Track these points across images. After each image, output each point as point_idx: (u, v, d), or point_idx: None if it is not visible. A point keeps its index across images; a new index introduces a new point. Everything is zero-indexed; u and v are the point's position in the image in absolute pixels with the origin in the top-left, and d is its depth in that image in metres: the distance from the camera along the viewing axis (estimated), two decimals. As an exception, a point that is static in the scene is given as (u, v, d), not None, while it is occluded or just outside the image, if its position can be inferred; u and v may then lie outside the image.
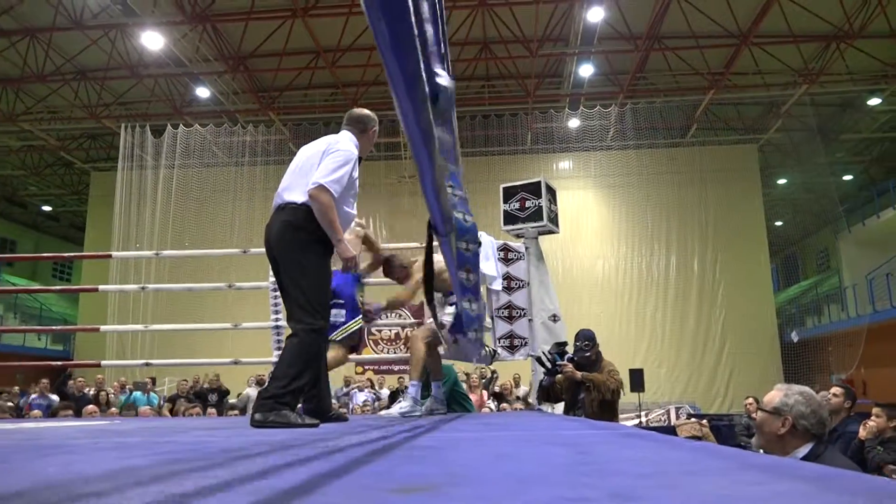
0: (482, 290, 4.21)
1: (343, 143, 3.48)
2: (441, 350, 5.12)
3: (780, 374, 17.43)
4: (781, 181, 23.78)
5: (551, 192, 6.08)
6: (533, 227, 5.88)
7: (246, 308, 12.75)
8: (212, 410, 9.27)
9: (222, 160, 17.99)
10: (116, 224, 16.86)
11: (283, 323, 5.39)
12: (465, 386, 7.35)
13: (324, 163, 3.33)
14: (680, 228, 18.93)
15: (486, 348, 5.38)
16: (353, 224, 4.40)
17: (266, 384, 3.22)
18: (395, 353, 17.57)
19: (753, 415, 3.55)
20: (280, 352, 3.47)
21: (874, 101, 18.50)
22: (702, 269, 18.83)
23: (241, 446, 1.75)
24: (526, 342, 5.62)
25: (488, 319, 5.48)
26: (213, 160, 17.74)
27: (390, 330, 17.68)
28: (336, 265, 3.61)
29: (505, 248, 5.73)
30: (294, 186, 3.37)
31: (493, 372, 10.87)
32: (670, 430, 7.32)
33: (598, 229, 19.35)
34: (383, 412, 4.62)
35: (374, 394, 11.77)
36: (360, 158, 3.61)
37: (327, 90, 18.34)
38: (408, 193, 17.98)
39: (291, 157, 3.64)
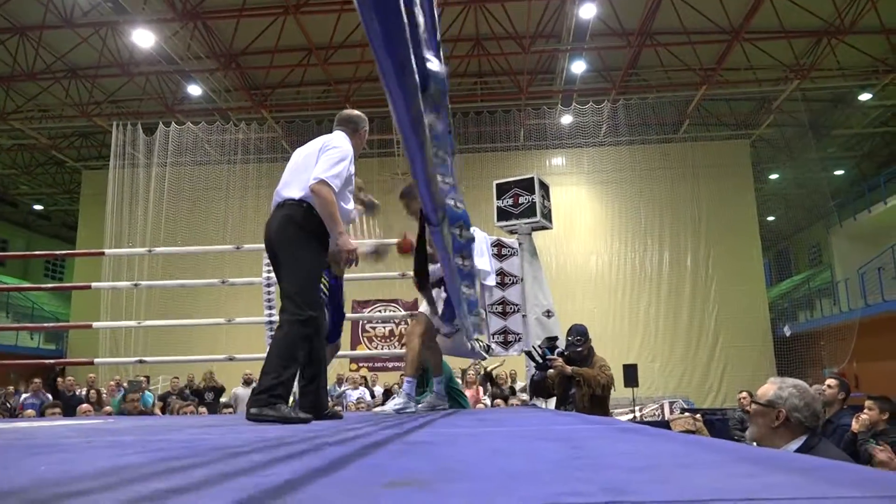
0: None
1: (337, 141, 3.57)
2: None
3: (773, 368, 17.51)
4: (773, 176, 23.86)
5: (544, 188, 6.09)
6: (526, 224, 5.89)
7: (239, 304, 12.73)
8: (203, 409, 9.25)
9: (215, 158, 17.93)
10: (109, 223, 16.78)
11: (277, 318, 5.38)
12: (460, 382, 7.36)
13: (322, 159, 3.41)
14: (673, 224, 18.97)
15: (481, 343, 5.39)
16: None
17: (258, 381, 3.25)
18: (389, 349, 17.57)
19: (747, 408, 3.58)
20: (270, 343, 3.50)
21: (865, 97, 18.57)
22: (695, 264, 18.89)
23: (235, 443, 1.75)
24: (520, 338, 5.64)
25: (482, 311, 5.49)
26: (205, 158, 17.68)
27: (384, 327, 17.68)
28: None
29: (498, 244, 5.74)
30: (292, 184, 3.45)
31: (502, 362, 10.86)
32: (664, 425, 7.35)
33: (591, 225, 19.38)
34: (377, 409, 4.62)
35: (370, 390, 11.76)
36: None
37: (319, 87, 18.30)
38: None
39: (284, 155, 3.68)
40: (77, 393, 10.21)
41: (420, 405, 5.17)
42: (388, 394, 10.04)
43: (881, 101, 18.83)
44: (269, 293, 5.56)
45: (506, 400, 8.60)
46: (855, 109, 19.81)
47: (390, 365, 16.31)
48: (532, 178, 5.97)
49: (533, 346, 5.36)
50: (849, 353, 16.25)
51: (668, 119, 19.18)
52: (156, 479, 0.98)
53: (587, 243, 19.16)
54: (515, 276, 5.70)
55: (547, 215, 6.06)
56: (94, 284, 8.45)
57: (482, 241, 5.52)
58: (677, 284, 18.71)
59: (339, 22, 15.01)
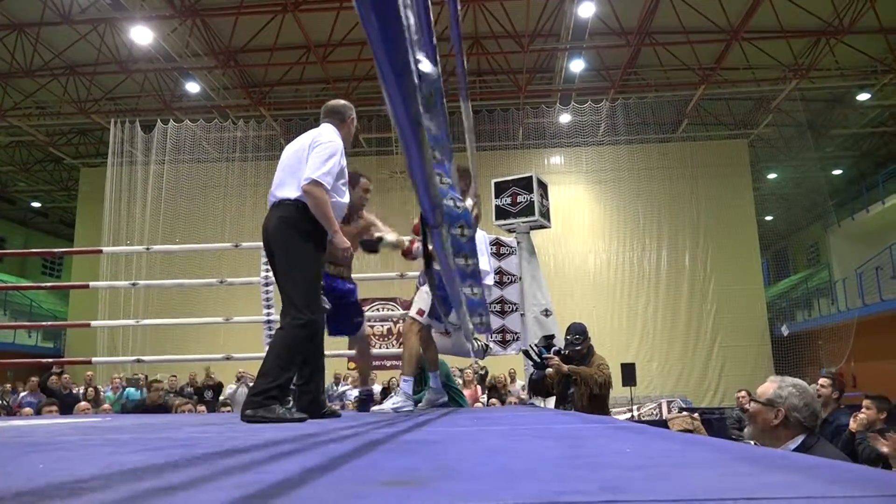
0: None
1: (326, 136, 3.55)
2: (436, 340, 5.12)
3: (771, 367, 17.53)
4: (772, 176, 23.88)
5: (543, 186, 6.09)
6: (524, 222, 5.89)
7: (238, 303, 12.71)
8: (202, 408, 9.23)
9: (213, 156, 17.91)
10: (106, 220, 16.75)
11: (276, 317, 5.38)
12: (458, 381, 7.36)
13: (312, 158, 3.40)
14: (671, 223, 18.99)
15: (479, 342, 5.39)
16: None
17: (254, 382, 3.25)
18: (387, 348, 17.56)
19: (747, 406, 3.59)
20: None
21: (863, 97, 18.58)
22: (693, 263, 18.90)
23: (232, 442, 1.74)
24: (518, 336, 5.64)
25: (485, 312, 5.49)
26: (203, 156, 17.66)
27: (382, 325, 17.67)
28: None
29: (497, 243, 5.74)
30: (285, 183, 3.44)
31: (483, 368, 10.86)
32: (662, 424, 7.36)
33: (589, 224, 19.38)
34: (375, 408, 4.62)
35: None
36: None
37: (318, 85, 18.28)
38: (399, 188, 17.95)
39: (282, 153, 3.66)
40: (73, 391, 10.18)
41: (420, 404, 5.17)
42: (386, 392, 10.04)
43: (879, 101, 18.85)
44: (267, 292, 5.56)
45: (502, 400, 8.61)
46: (853, 109, 19.82)
47: (388, 363, 16.27)
48: (530, 177, 5.98)
49: (530, 346, 5.35)
50: (846, 352, 16.27)
51: (666, 118, 19.18)
52: (153, 477, 0.98)
53: (585, 242, 19.16)
54: (513, 275, 5.71)
55: (545, 214, 6.06)
56: (91, 284, 8.45)
57: (481, 241, 5.51)
58: (675, 284, 18.72)
59: (337, 20, 14.99)
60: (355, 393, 11.11)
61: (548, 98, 18.37)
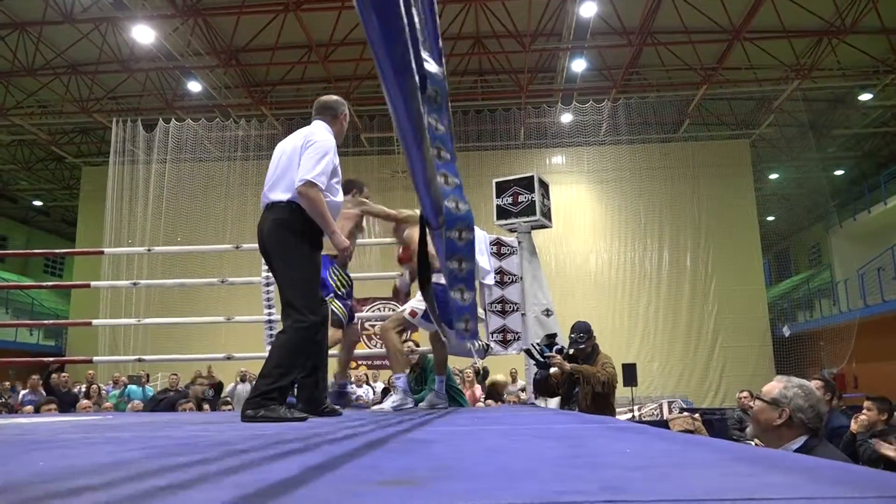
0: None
1: (318, 134, 3.51)
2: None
3: (772, 368, 17.51)
4: (773, 176, 23.86)
5: (544, 186, 6.08)
6: (526, 222, 5.88)
7: (239, 303, 12.72)
8: (205, 406, 9.24)
9: (214, 155, 17.92)
10: (108, 219, 16.78)
11: (276, 317, 5.39)
12: (457, 381, 7.35)
13: (305, 158, 3.37)
14: (672, 223, 18.97)
15: (479, 342, 5.39)
16: (349, 205, 4.43)
17: (255, 383, 3.26)
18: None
19: (750, 403, 3.58)
20: (270, 346, 3.51)
21: (865, 97, 18.56)
22: (694, 263, 18.89)
23: (233, 440, 1.75)
24: (519, 336, 5.63)
25: (481, 312, 5.48)
26: (205, 155, 17.67)
27: (383, 325, 17.65)
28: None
29: (498, 243, 5.74)
30: (278, 185, 3.42)
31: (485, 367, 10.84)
32: (663, 425, 7.35)
33: (590, 224, 19.38)
34: (375, 407, 4.62)
35: (371, 388, 11.74)
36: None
37: (320, 85, 18.29)
38: (401, 188, 17.96)
39: (274, 152, 3.65)
40: (72, 390, 10.18)
41: (421, 404, 5.17)
42: (385, 391, 10.04)
43: (881, 102, 18.82)
44: (268, 292, 5.56)
45: (498, 400, 8.58)
46: (855, 109, 19.80)
47: (388, 363, 16.28)
48: (532, 177, 5.96)
49: (532, 345, 5.34)
50: (848, 353, 16.26)
51: (668, 118, 19.18)
52: (153, 476, 0.98)
53: (587, 242, 19.15)
54: (514, 275, 5.70)
55: (546, 214, 6.05)
56: (93, 284, 8.45)
57: (481, 241, 5.52)
58: (677, 284, 18.71)
59: (339, 19, 15.00)
60: (360, 392, 11.15)
61: (549, 98, 18.37)
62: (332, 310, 4.60)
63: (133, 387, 10.89)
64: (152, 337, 15.34)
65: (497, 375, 9.85)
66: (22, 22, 15.34)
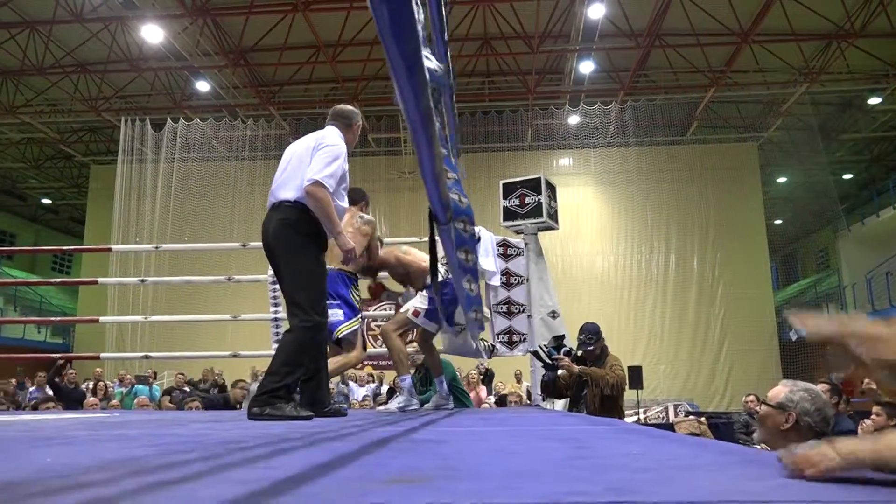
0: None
1: (331, 138, 3.54)
2: (441, 345, 5.12)
3: (779, 372, 17.44)
4: (781, 179, 23.77)
5: (551, 188, 6.06)
6: (532, 224, 5.87)
7: (245, 302, 12.74)
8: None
9: (222, 154, 17.97)
10: (116, 217, 16.86)
11: (283, 315, 5.39)
12: (463, 382, 7.35)
13: (315, 159, 3.39)
14: (679, 226, 18.92)
15: (485, 343, 5.38)
16: (359, 222, 4.46)
17: (261, 382, 3.27)
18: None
19: (757, 407, 3.56)
20: (278, 345, 3.50)
21: (874, 101, 18.48)
22: (701, 266, 18.83)
23: (239, 438, 1.75)
24: (525, 338, 5.62)
25: (486, 310, 5.47)
26: (212, 154, 17.73)
27: (389, 325, 17.66)
28: (330, 263, 3.66)
29: (504, 244, 5.73)
30: (286, 184, 3.44)
31: (489, 369, 10.83)
32: (669, 428, 7.33)
33: (597, 226, 19.34)
34: (381, 408, 4.63)
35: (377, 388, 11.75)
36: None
37: (328, 85, 18.32)
38: (408, 189, 17.98)
39: (285, 152, 3.67)
40: (79, 387, 10.22)
41: (427, 405, 5.17)
42: (391, 392, 10.04)
43: (891, 105, 18.73)
44: (274, 290, 5.57)
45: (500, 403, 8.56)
46: (864, 113, 19.71)
47: (392, 365, 16.27)
48: (539, 179, 5.95)
49: (539, 346, 5.32)
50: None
51: (676, 121, 19.12)
52: (159, 472, 0.99)
53: (593, 244, 19.12)
54: (521, 277, 5.69)
55: (553, 216, 6.03)
56: (100, 280, 8.47)
57: (488, 241, 5.51)
58: (683, 287, 18.65)
59: (347, 20, 15.03)
60: (362, 392, 11.16)
61: (557, 99, 18.34)
62: (355, 330, 4.61)
63: (140, 386, 10.93)
64: (159, 334, 15.39)
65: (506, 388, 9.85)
66: (32, 21, 15.43)
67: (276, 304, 5.57)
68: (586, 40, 15.31)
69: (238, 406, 7.69)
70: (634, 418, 12.03)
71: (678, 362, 18.26)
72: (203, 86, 17.52)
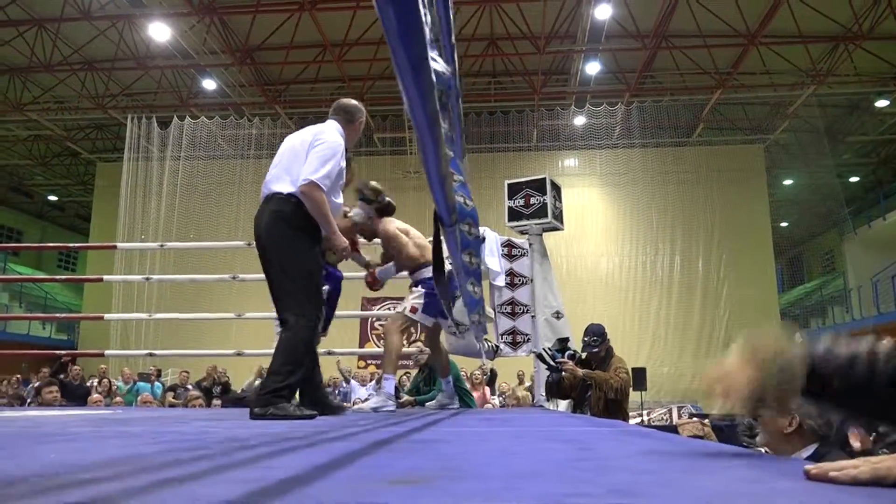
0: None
1: (329, 134, 3.44)
2: (445, 345, 5.11)
3: (783, 375, 17.34)
4: (787, 182, 23.70)
5: (556, 189, 6.06)
6: (537, 224, 5.86)
7: (250, 300, 12.75)
8: (217, 402, 9.28)
9: (228, 153, 18.01)
10: (122, 215, 16.91)
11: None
12: (467, 383, 7.35)
13: (311, 157, 3.31)
14: (685, 228, 18.87)
15: (489, 343, 5.37)
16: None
17: (263, 381, 3.20)
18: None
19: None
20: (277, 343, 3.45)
21: (882, 103, 18.41)
22: (706, 268, 18.78)
23: (242, 437, 1.75)
24: (528, 338, 5.62)
25: (490, 311, 5.47)
26: (218, 152, 17.77)
27: (393, 325, 17.66)
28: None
29: (509, 245, 5.73)
30: (281, 177, 3.36)
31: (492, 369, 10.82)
32: (672, 430, 7.30)
33: (602, 227, 19.31)
34: (356, 407, 4.57)
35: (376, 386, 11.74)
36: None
37: (334, 84, 18.34)
38: (413, 189, 17.97)
39: (282, 144, 3.61)
40: (84, 383, 10.25)
41: (429, 403, 5.17)
42: (396, 391, 10.04)
43: (898, 108, 18.68)
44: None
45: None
46: (871, 116, 19.65)
47: (398, 362, 16.26)
48: (544, 179, 5.95)
49: (543, 349, 5.29)
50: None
51: (682, 122, 19.08)
52: (161, 470, 0.99)
53: (598, 245, 19.09)
54: (525, 277, 5.69)
55: (558, 216, 6.03)
56: (105, 277, 8.50)
57: (492, 241, 5.51)
58: (688, 288, 18.60)
59: (354, 19, 15.04)
60: (362, 391, 11.16)
61: (563, 100, 18.33)
62: None
63: (142, 384, 10.95)
64: (163, 332, 15.43)
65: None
66: (40, 18, 15.49)
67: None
68: (593, 41, 15.28)
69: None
70: (638, 420, 12.01)
71: (682, 364, 18.20)
72: (209, 84, 17.56)
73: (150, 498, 0.72)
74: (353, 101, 3.79)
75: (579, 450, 1.44)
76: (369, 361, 17.23)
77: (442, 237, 1.97)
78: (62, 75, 17.36)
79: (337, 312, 4.94)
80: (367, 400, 4.86)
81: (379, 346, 17.46)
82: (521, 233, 5.97)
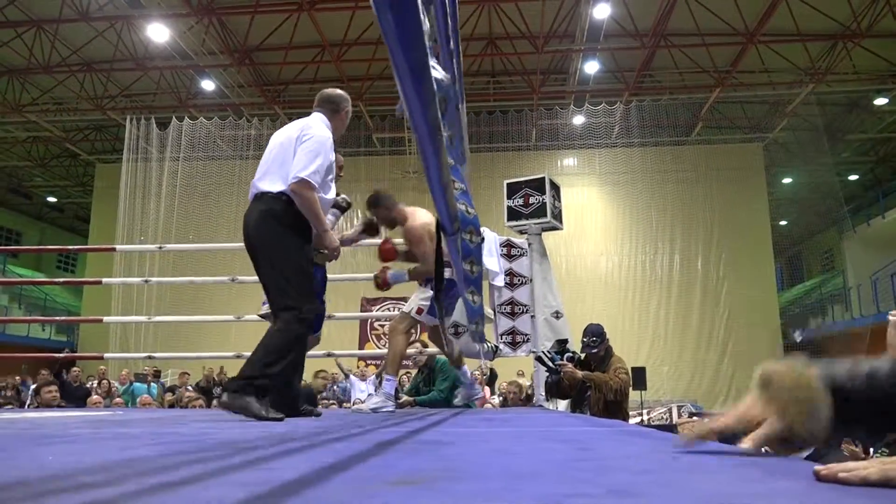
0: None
1: (316, 129, 3.38)
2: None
3: (783, 373, 17.35)
4: (786, 180, 23.72)
5: (555, 188, 6.06)
6: (536, 224, 5.86)
7: (249, 302, 12.71)
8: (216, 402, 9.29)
9: (227, 153, 18.00)
10: (121, 216, 16.91)
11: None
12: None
13: (300, 153, 3.26)
14: (684, 227, 18.89)
15: (488, 344, 5.36)
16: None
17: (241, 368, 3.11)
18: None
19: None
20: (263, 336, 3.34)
21: (881, 101, 18.43)
22: (705, 267, 18.79)
23: (242, 438, 1.75)
24: (528, 338, 5.62)
25: (489, 311, 5.47)
26: (217, 153, 17.77)
27: (393, 325, 17.66)
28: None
29: (508, 244, 5.72)
30: (270, 175, 3.31)
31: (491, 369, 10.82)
32: (672, 429, 7.32)
33: (601, 227, 19.32)
34: (354, 407, 4.56)
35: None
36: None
37: (332, 84, 18.26)
38: (412, 189, 17.97)
39: (269, 141, 3.58)
40: (84, 384, 10.25)
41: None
42: (395, 392, 10.03)
43: (897, 106, 18.69)
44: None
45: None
46: (870, 114, 19.66)
47: (385, 360, 16.26)
48: (543, 179, 5.95)
49: (543, 352, 5.28)
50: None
51: (680, 121, 19.10)
52: (160, 473, 0.99)
53: (597, 245, 19.10)
54: (525, 277, 5.69)
55: (557, 216, 6.03)
56: (105, 280, 8.49)
57: (491, 241, 5.50)
58: (688, 287, 18.62)
59: (352, 19, 15.05)
60: (362, 385, 11.13)
61: (562, 99, 18.33)
62: None
63: (138, 384, 10.94)
64: (163, 334, 15.42)
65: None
66: (39, 19, 15.48)
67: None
68: (591, 40, 15.28)
69: (319, 396, 7.74)
70: (638, 419, 12.02)
71: (682, 363, 18.23)
72: (208, 85, 17.55)
73: (151, 501, 0.72)
74: (338, 91, 3.71)
75: (579, 450, 1.44)
76: (369, 362, 17.24)
77: (443, 244, 1.97)
78: (61, 76, 17.35)
79: (336, 313, 4.93)
80: (366, 400, 4.84)
81: (379, 347, 17.48)
82: (521, 232, 5.96)
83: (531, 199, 5.89)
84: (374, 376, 12.10)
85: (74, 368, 10.03)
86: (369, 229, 4.63)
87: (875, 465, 0.82)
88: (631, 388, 5.83)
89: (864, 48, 15.76)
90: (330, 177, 3.40)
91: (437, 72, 1.20)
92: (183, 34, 15.25)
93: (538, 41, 15.87)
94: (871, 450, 3.93)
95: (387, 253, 4.55)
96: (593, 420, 3.51)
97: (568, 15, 15.51)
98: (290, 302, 3.15)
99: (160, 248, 8.31)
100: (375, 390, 4.71)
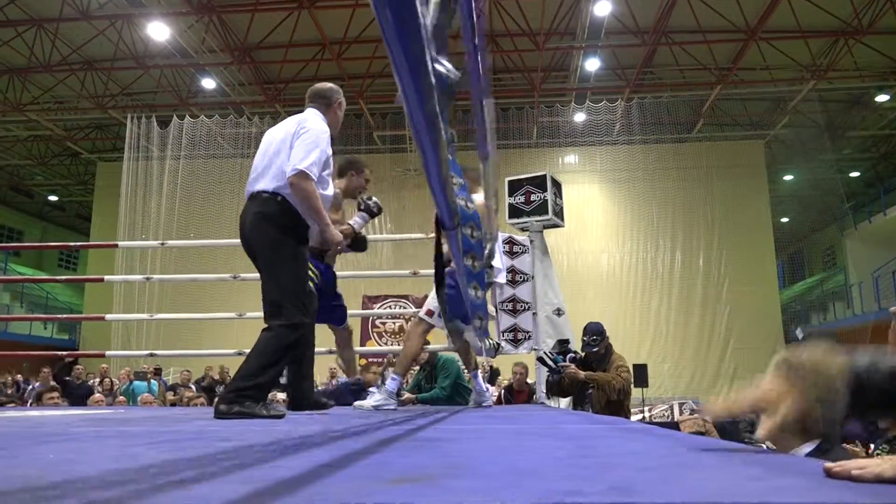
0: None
1: (311, 122, 3.33)
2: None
3: (785, 370, 17.34)
4: (788, 177, 23.69)
5: (557, 185, 6.06)
6: (538, 221, 5.87)
7: (251, 299, 12.72)
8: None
9: (228, 151, 18.00)
10: (122, 214, 16.92)
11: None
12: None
13: (297, 146, 3.18)
14: (685, 224, 18.88)
15: (490, 341, 5.36)
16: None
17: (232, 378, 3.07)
18: (399, 345, 17.57)
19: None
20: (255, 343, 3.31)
21: (882, 98, 18.39)
22: (707, 264, 18.78)
23: (242, 436, 1.75)
24: (530, 336, 5.62)
25: (491, 309, 5.47)
26: (218, 151, 17.76)
27: (394, 323, 17.70)
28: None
29: (510, 242, 5.73)
30: (264, 174, 3.24)
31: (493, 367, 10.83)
32: (673, 426, 7.30)
33: (603, 224, 19.31)
34: (356, 403, 4.57)
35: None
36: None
37: (333, 82, 18.26)
38: (413, 186, 17.97)
39: (263, 139, 3.54)
40: (87, 382, 10.27)
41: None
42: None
43: (899, 103, 18.65)
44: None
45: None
46: (872, 111, 19.62)
47: (396, 358, 16.28)
48: (544, 176, 5.95)
49: (544, 353, 5.28)
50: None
51: (682, 118, 19.07)
52: (161, 471, 0.99)
53: (599, 242, 19.10)
54: (526, 274, 5.69)
55: (559, 213, 6.03)
56: (106, 277, 8.49)
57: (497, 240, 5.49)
58: (689, 285, 18.61)
59: (353, 17, 15.03)
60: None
61: (563, 97, 18.32)
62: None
63: (138, 383, 10.96)
64: (165, 332, 15.43)
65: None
66: (39, 18, 15.47)
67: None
68: (592, 37, 15.27)
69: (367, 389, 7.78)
70: (639, 416, 12.03)
71: (683, 360, 18.23)
72: (209, 83, 17.55)
73: (152, 500, 0.72)
74: (327, 84, 3.66)
75: (580, 447, 1.44)
76: (371, 360, 17.23)
77: (443, 240, 1.97)
78: (61, 75, 17.35)
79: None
80: (368, 397, 4.85)
81: (380, 344, 17.49)
82: (522, 230, 5.97)
83: (532, 197, 5.90)
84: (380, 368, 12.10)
85: (77, 367, 10.05)
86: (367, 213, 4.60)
87: (889, 462, 0.82)
88: (632, 386, 5.83)
89: (866, 45, 15.72)
90: (327, 172, 3.32)
91: (443, 66, 1.20)
92: (183, 32, 15.25)
93: (539, 38, 15.85)
94: (872, 447, 3.93)
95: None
96: (594, 417, 3.51)
97: (569, 12, 15.49)
98: (280, 310, 3.09)
99: (162, 244, 8.30)
100: (378, 387, 4.71)
